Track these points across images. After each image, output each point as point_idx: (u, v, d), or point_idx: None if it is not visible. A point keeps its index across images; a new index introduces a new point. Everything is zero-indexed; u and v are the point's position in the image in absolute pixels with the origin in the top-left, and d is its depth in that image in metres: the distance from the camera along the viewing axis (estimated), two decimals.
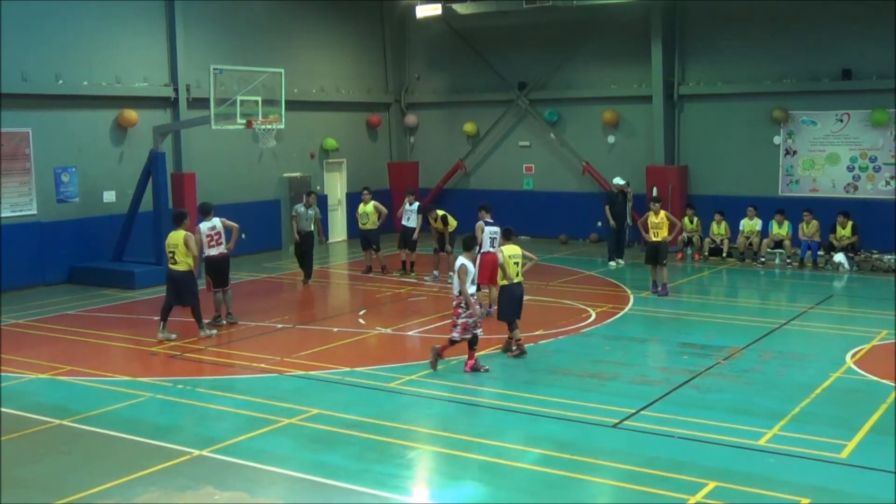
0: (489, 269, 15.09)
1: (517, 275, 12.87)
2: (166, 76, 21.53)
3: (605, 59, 25.06)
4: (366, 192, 20.37)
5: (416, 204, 20.00)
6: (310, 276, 19.24)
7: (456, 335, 12.11)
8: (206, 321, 14.98)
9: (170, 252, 14.22)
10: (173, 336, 14.21)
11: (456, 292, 12.10)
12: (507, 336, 13.05)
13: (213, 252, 15.14)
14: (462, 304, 12.02)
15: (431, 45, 27.92)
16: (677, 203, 23.27)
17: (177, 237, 14.13)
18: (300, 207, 19.14)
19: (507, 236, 13.41)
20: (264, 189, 24.05)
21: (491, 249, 15.23)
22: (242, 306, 15.52)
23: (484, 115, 27.03)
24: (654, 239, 17.44)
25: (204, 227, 15.11)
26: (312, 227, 19.10)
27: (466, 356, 12.16)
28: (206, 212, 15.32)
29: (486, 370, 12.12)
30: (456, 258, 18.30)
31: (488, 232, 15.43)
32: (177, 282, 14.19)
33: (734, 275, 20.20)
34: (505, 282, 12.90)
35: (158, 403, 11.13)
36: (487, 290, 15.20)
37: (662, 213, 17.61)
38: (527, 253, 13.20)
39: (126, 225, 19.77)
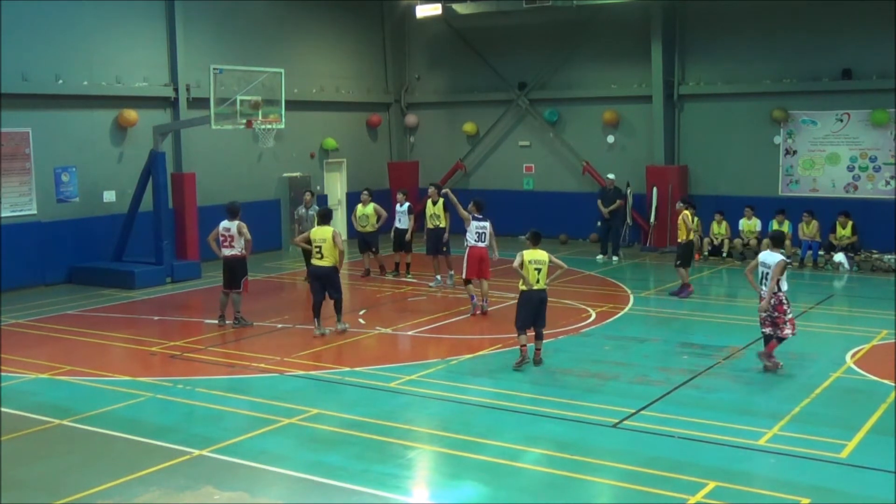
0: (476, 263, 15.55)
1: (537, 281, 12.30)
2: (166, 76, 21.53)
3: (605, 59, 25.06)
4: (366, 193, 20.05)
5: (407, 205, 19.87)
6: None
7: (789, 331, 11.90)
8: (213, 321, 15.13)
9: (316, 247, 14.31)
10: (328, 331, 14.48)
11: (774, 289, 11.82)
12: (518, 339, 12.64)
13: (227, 252, 15.13)
14: (785, 300, 11.84)
15: (431, 45, 27.93)
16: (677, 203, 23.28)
17: (325, 233, 14.30)
18: (301, 209, 19.28)
19: (536, 240, 12.53)
20: (264, 189, 24.05)
21: (478, 244, 15.55)
22: (244, 306, 15.49)
23: (484, 115, 27.03)
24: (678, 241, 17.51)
25: (222, 225, 15.19)
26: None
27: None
28: (231, 212, 15.25)
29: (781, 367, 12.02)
30: (445, 259, 18.51)
31: (475, 227, 15.63)
32: (322, 277, 14.37)
33: (734, 275, 20.19)
34: (524, 287, 12.33)
35: (158, 403, 11.13)
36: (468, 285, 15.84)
37: (682, 214, 17.30)
38: (556, 260, 12.54)
39: (126, 225, 19.76)
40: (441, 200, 18.81)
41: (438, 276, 18.83)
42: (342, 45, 26.43)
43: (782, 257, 11.90)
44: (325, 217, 14.81)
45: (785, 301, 11.88)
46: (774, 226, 21.15)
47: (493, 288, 17.00)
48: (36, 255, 18.94)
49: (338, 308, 14.67)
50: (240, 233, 14.99)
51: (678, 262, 17.32)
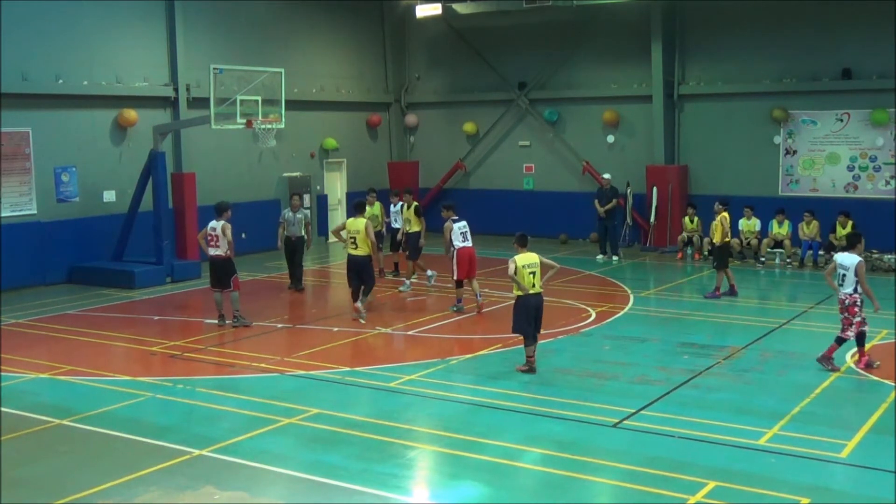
0: (466, 264, 15.88)
1: (533, 285, 12.04)
2: (166, 76, 21.53)
3: (605, 59, 25.07)
4: (372, 193, 19.90)
5: (401, 204, 19.60)
6: (300, 282, 18.65)
7: (851, 334, 11.99)
8: (213, 321, 15.18)
9: (351, 238, 15.31)
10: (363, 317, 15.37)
11: (850, 291, 11.85)
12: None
13: (212, 252, 15.12)
14: (858, 303, 11.89)
15: (431, 45, 27.92)
16: (677, 203, 23.30)
17: (358, 224, 15.30)
18: (287, 213, 18.53)
19: (523, 243, 12.36)
20: (264, 189, 24.05)
21: (465, 244, 15.96)
22: (243, 306, 15.50)
23: (484, 115, 27.03)
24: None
25: (210, 225, 15.19)
26: (303, 232, 18.37)
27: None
28: (218, 210, 15.25)
29: (878, 365, 12.05)
30: (410, 261, 18.47)
31: (457, 228, 16.10)
32: (359, 265, 15.37)
33: (734, 275, 20.13)
34: (520, 293, 12.02)
35: (158, 403, 11.13)
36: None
37: (720, 216, 17.23)
38: (546, 260, 12.32)
39: (126, 225, 19.77)
40: (414, 205, 18.68)
41: (433, 273, 18.59)
42: (342, 45, 26.43)
43: (860, 258, 11.93)
44: (359, 208, 15.69)
45: (858, 303, 11.96)
46: (774, 226, 21.18)
47: (494, 288, 17.04)
48: (36, 255, 18.95)
49: (367, 290, 15.57)
50: (223, 233, 14.99)
51: (716, 265, 17.27)
